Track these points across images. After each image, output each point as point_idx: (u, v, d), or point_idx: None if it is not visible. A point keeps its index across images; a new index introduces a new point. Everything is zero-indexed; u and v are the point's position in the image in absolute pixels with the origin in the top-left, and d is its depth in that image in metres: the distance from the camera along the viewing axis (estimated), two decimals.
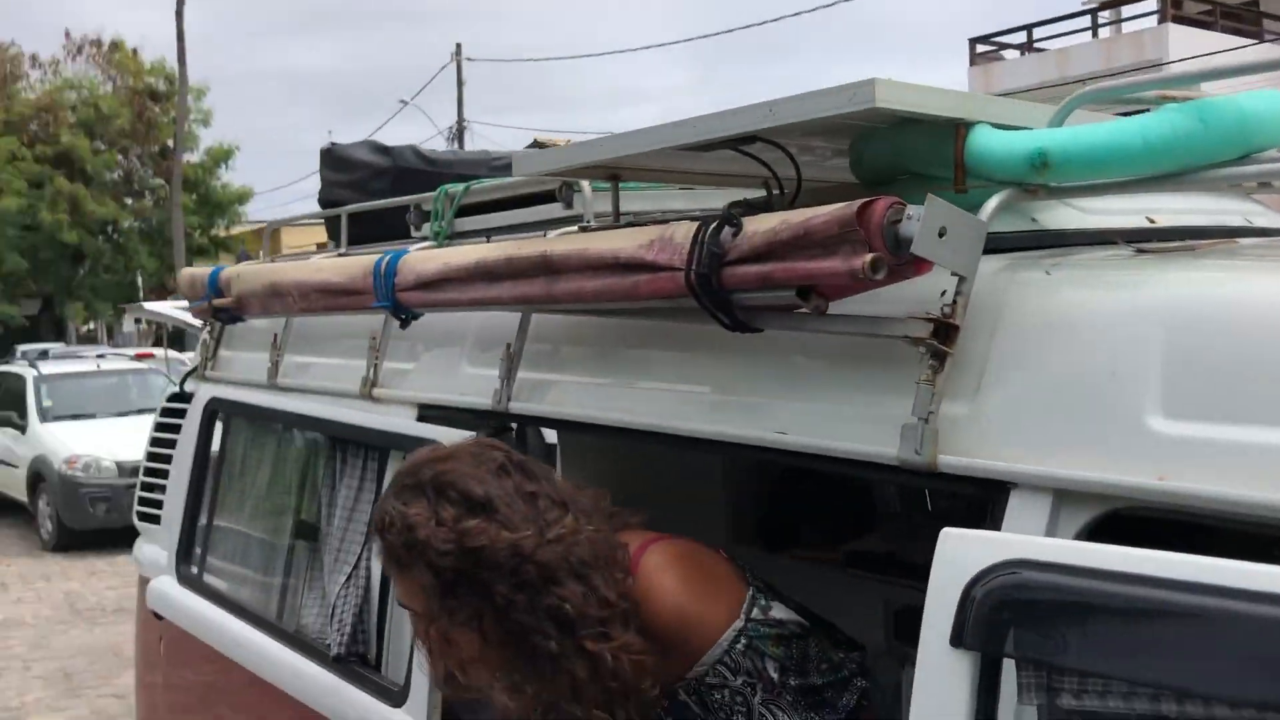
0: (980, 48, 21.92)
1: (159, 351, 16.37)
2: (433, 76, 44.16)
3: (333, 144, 3.43)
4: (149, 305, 4.89)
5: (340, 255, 3.07)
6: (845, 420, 1.57)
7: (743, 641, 1.61)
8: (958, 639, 1.18)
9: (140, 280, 30.14)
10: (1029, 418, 1.36)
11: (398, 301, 2.37)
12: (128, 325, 34.73)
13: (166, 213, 29.19)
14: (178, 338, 26.54)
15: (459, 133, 29.96)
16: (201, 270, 3.26)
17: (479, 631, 1.55)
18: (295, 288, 2.73)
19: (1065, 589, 1.13)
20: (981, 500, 1.44)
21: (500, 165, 3.15)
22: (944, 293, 1.45)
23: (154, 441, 3.74)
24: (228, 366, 3.41)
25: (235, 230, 32.66)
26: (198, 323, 3.68)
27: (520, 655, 1.55)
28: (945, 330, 1.42)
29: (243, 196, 32.03)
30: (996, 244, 1.49)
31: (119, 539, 10.68)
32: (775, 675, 1.60)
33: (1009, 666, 1.18)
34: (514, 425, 2.22)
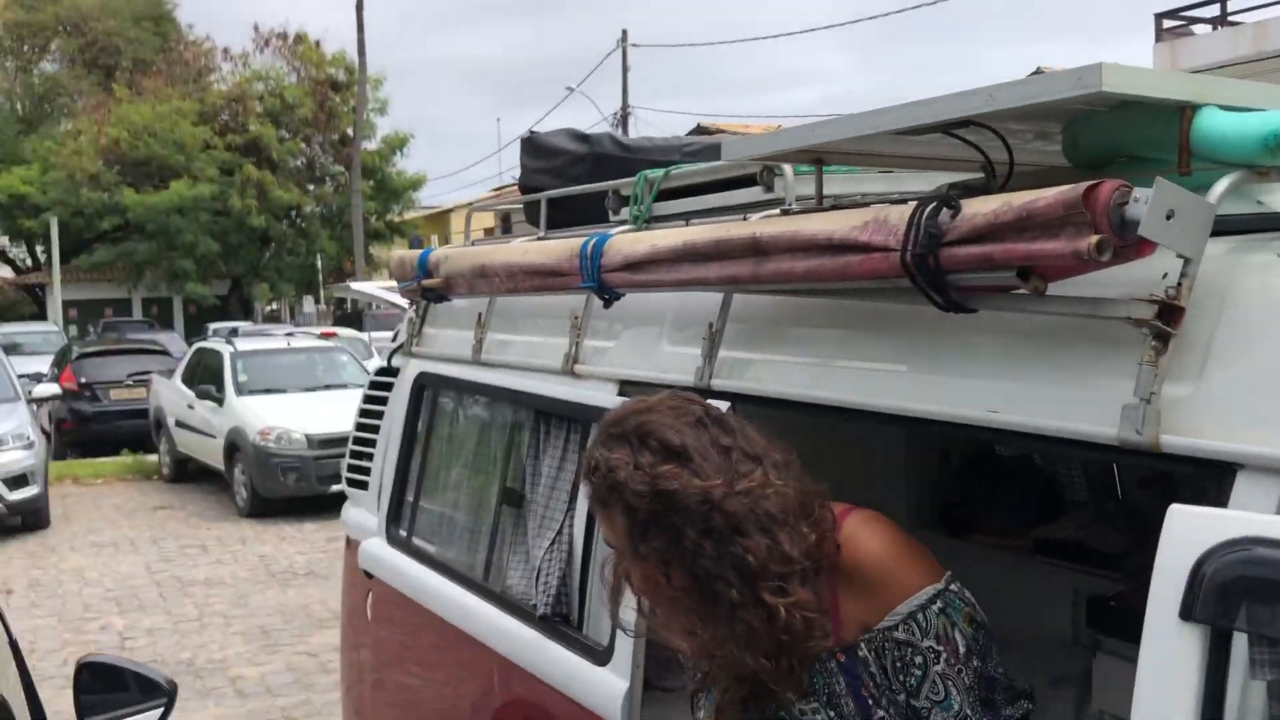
0: (1167, 23, 20.85)
1: (347, 331, 17.18)
2: (598, 63, 44.71)
3: (532, 132, 3.59)
4: (355, 285, 5.21)
5: (540, 239, 3.21)
6: (1060, 400, 1.60)
7: (939, 604, 1.63)
8: (1187, 612, 1.21)
9: (320, 263, 31.67)
10: (1258, 399, 1.36)
11: (603, 282, 2.48)
12: (308, 306, 36.47)
13: (346, 198, 30.54)
14: (356, 319, 27.71)
15: (623, 119, 30.29)
16: (411, 252, 3.46)
17: (665, 574, 1.62)
18: (502, 269, 2.89)
19: None
20: (1200, 482, 1.45)
21: (693, 151, 3.24)
22: (1166, 275, 1.47)
23: (362, 413, 3.99)
24: (432, 343, 3.61)
25: (409, 215, 33.90)
26: (403, 302, 3.90)
27: (702, 600, 1.61)
28: (1169, 311, 1.43)
29: (416, 183, 33.25)
30: (1221, 226, 1.49)
31: (305, 507, 11.35)
32: (962, 649, 1.62)
33: (1238, 641, 1.20)
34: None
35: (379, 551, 3.58)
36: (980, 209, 1.54)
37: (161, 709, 2.54)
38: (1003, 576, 3.38)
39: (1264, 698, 1.19)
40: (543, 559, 2.69)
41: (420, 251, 3.40)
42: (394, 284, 3.84)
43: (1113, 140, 1.69)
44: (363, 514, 3.85)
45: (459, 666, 3.14)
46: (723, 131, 10.93)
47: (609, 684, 2.38)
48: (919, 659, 1.62)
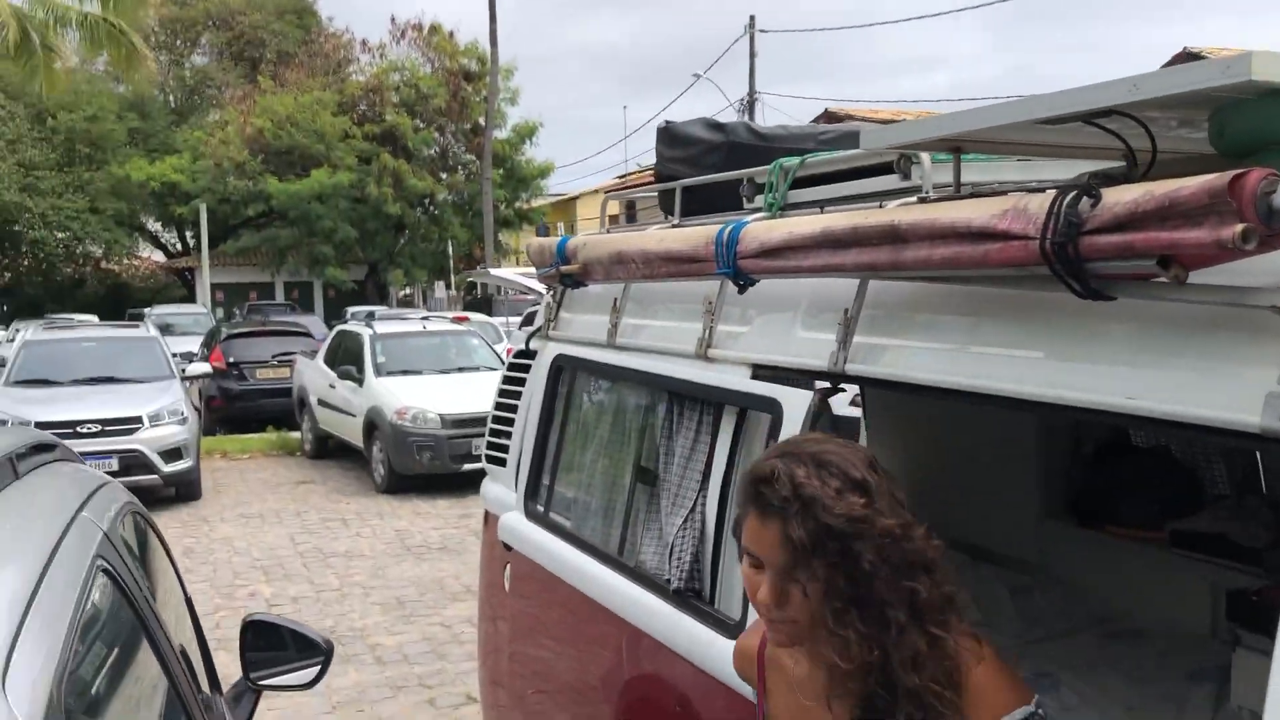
0: None
1: (478, 315, 17.57)
2: (725, 49, 44.52)
3: (669, 122, 3.66)
4: (493, 270, 5.39)
5: (675, 226, 3.29)
6: (1200, 388, 1.60)
7: None
8: None
9: (451, 249, 32.42)
10: None
11: (738, 268, 2.55)
12: (439, 291, 37.35)
13: (477, 186, 31.16)
14: (485, 304, 28.28)
15: (750, 105, 30.13)
16: (550, 239, 3.58)
17: (827, 588, 1.66)
18: (639, 255, 2.98)
19: None
20: None
21: (828, 139, 3.27)
22: None
23: (501, 393, 4.14)
24: (568, 327, 3.73)
25: (537, 203, 34.39)
26: (539, 287, 4.03)
27: (867, 619, 1.66)
28: None
29: (545, 171, 33.71)
30: None
31: (439, 484, 11.72)
32: None
33: None
34: (850, 387, 2.35)
35: (517, 525, 3.72)
36: (1121, 197, 1.55)
37: (319, 666, 2.70)
38: (1138, 568, 3.35)
39: None
40: (676, 535, 2.78)
41: (559, 239, 3.51)
42: (527, 270, 3.97)
43: (1261, 128, 1.67)
44: (501, 490, 4.01)
45: (593, 637, 3.25)
46: (851, 117, 10.82)
47: None
48: None
